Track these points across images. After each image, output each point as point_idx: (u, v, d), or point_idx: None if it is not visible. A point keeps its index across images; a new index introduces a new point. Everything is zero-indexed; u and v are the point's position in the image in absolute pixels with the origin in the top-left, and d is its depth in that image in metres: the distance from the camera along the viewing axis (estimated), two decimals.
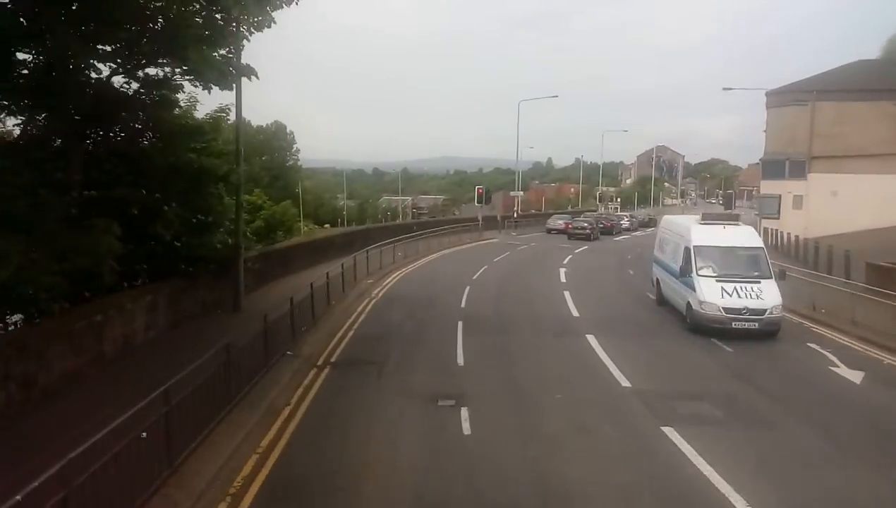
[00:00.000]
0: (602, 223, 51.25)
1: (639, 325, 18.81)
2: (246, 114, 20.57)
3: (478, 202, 45.68)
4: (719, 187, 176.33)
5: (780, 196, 40.50)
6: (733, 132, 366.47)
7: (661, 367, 14.57)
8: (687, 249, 18.26)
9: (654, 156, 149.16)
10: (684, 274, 18.13)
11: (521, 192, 63.81)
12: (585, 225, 47.23)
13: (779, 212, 41.28)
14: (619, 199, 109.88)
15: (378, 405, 11.76)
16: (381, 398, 12.16)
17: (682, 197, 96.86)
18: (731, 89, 51.93)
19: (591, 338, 16.66)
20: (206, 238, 17.18)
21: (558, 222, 52.92)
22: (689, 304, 17.66)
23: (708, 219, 19.88)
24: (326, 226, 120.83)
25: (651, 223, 65.26)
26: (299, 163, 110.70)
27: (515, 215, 53.78)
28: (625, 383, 13.07)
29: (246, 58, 17.20)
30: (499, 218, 51.35)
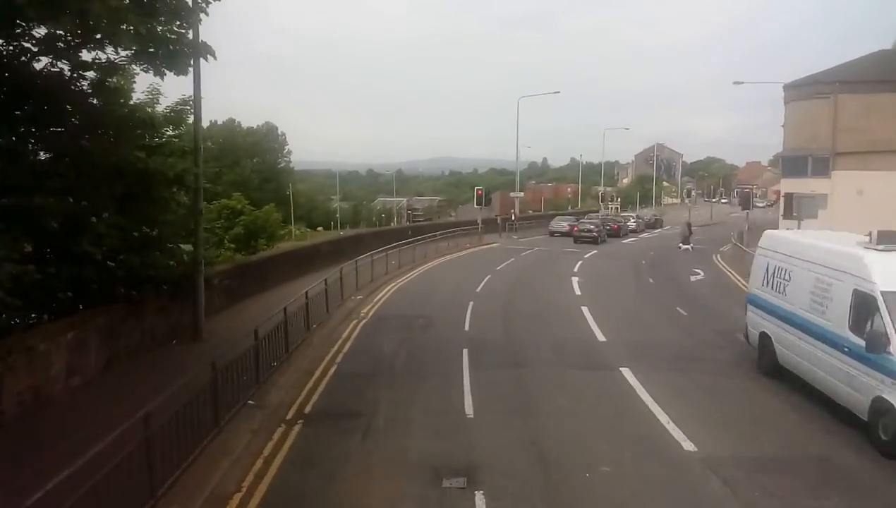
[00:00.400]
0: (608, 225, 48.18)
1: (677, 351, 15.70)
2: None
3: (477, 204, 42.51)
4: (718, 186, 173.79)
5: (826, 195, 37.31)
6: (727, 132, 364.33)
7: (724, 415, 11.45)
8: (864, 297, 10.45)
9: (653, 154, 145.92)
10: (873, 346, 9.82)
11: (522, 193, 60.59)
12: (592, 227, 44.15)
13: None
14: (619, 199, 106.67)
15: (362, 488, 8.61)
16: (367, 475, 9.01)
17: (688, 195, 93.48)
18: (741, 83, 49.07)
19: (626, 373, 13.53)
20: (154, 254, 13.97)
21: (562, 224, 49.84)
22: (885, 406, 9.61)
23: (890, 241, 10.95)
24: (319, 228, 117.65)
25: (657, 224, 62.23)
26: (291, 165, 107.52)
27: (513, 217, 50.29)
28: (687, 445, 9.94)
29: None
30: (498, 221, 48.21)
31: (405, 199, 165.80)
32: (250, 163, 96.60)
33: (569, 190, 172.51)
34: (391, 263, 28.67)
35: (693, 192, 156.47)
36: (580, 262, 33.03)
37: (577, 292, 23.94)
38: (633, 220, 55.67)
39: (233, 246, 30.93)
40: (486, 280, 26.24)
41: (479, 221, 43.18)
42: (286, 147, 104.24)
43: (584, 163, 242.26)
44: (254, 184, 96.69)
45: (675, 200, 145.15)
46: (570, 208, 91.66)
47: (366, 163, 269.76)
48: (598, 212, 70.80)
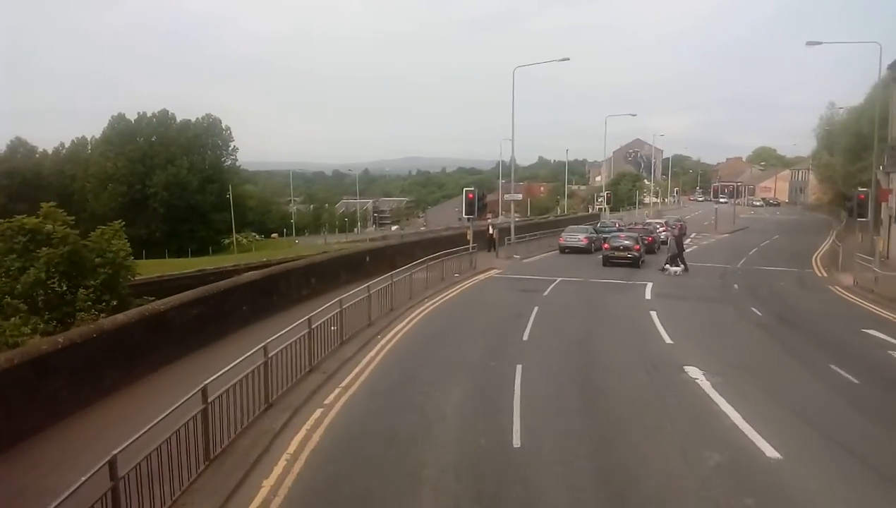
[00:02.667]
0: (643, 238, 34.04)
1: None
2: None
3: (468, 213, 27.97)
4: (695, 184, 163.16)
5: None
6: (685, 130, 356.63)
7: None
8: None
9: (633, 151, 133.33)
10: None
11: (519, 195, 46.59)
12: (630, 243, 29.96)
13: None
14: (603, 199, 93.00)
15: None
16: None
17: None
18: (818, 43, 35.94)
19: None
20: None
21: (577, 237, 35.81)
22: None
23: None
24: (274, 235, 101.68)
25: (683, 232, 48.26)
26: (238, 163, 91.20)
27: (491, 227, 35.39)
28: None
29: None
30: (494, 235, 33.61)
31: (371, 201, 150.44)
32: (187, 161, 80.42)
33: (541, 188, 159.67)
34: (328, 332, 14.03)
35: (677, 190, 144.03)
36: (654, 314, 18.70)
37: (769, 450, 9.41)
38: (662, 229, 41.52)
39: (24, 306, 15.82)
40: (517, 393, 11.66)
41: (470, 239, 28.68)
42: (231, 143, 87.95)
43: (552, 162, 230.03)
44: (192, 186, 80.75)
45: (656, 199, 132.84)
46: (558, 212, 77.92)
47: (332, 164, 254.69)
48: (601, 216, 56.90)
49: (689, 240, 45.30)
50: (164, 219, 79.26)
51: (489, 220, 27.90)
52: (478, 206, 28.38)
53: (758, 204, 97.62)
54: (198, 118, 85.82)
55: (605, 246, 30.62)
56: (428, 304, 20.29)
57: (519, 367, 12.99)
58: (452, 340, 15.76)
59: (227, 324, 14.96)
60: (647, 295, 22.29)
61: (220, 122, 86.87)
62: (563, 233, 36.74)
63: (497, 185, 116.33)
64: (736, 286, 24.88)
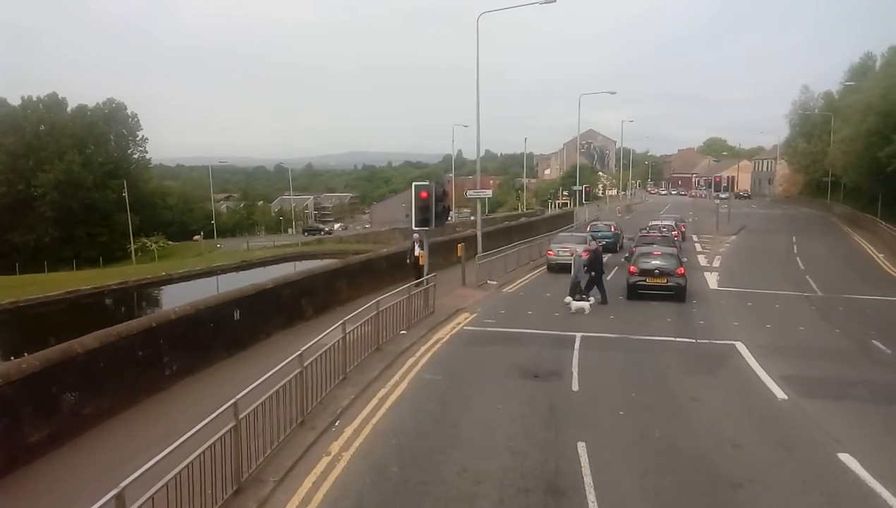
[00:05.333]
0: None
1: None
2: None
3: (420, 222, 16.38)
4: (647, 176, 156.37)
5: None
6: (631, 124, 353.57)
7: None
8: None
9: (587, 142, 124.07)
10: None
11: (489, 192, 35.61)
12: (669, 265, 19.07)
13: None
14: (565, 193, 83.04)
15: None
16: None
17: (637, 186, 69.84)
18: None
19: None
20: None
21: (574, 250, 24.75)
22: None
23: None
24: (197, 237, 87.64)
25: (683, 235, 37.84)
26: (148, 156, 76.71)
27: (417, 246, 23.84)
28: None
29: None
30: (459, 251, 22.19)
31: (311, 197, 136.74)
32: (81, 154, 65.88)
33: (490, 182, 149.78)
34: None
35: (637, 183, 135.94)
36: (865, 475, 7.73)
37: None
38: (675, 234, 30.78)
39: None
40: None
41: (425, 261, 17.20)
42: (140, 132, 73.56)
43: (500, 155, 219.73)
44: (88, 182, 66.10)
45: (611, 192, 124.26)
46: (520, 208, 67.40)
47: (274, 158, 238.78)
48: (575, 214, 46.27)
49: (700, 244, 35.04)
50: (56, 223, 64.63)
51: (414, 234, 15.26)
52: (436, 210, 16.81)
53: (724, 196, 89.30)
54: (97, 104, 71.05)
55: (632, 268, 19.57)
56: (336, 446, 8.67)
57: None
58: None
59: None
60: (770, 385, 11.33)
61: (125, 108, 72.34)
62: (552, 244, 25.67)
63: (445, 178, 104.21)
64: (881, 346, 14.28)
